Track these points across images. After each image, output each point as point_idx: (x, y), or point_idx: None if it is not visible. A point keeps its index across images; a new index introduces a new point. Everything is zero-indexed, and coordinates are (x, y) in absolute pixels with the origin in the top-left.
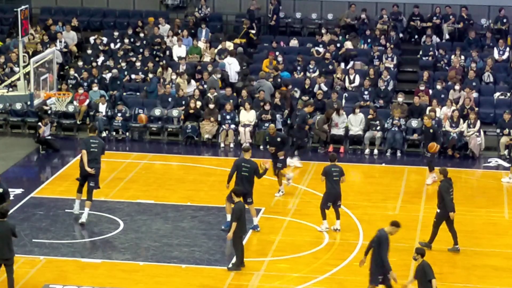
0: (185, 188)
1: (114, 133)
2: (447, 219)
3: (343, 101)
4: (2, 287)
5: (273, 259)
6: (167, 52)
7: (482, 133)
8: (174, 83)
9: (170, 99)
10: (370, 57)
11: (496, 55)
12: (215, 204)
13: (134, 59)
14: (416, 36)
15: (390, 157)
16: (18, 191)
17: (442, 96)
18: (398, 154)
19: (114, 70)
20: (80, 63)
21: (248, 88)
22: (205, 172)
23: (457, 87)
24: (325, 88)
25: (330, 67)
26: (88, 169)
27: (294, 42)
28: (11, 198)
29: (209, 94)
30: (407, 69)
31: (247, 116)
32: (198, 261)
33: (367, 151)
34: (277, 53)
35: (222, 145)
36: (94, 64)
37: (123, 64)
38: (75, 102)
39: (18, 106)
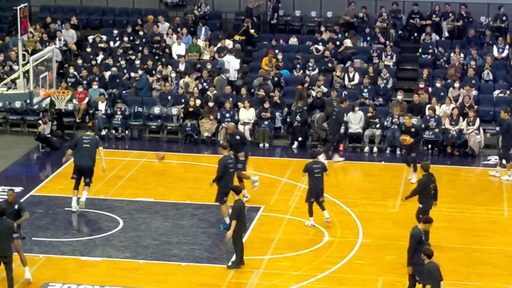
0: (185, 186)
1: (113, 131)
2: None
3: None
4: (1, 285)
5: (272, 257)
6: (167, 50)
7: (481, 131)
8: (174, 81)
9: (169, 97)
10: (370, 55)
11: (495, 53)
12: (215, 203)
13: (133, 57)
14: (416, 34)
15: (389, 155)
16: (18, 189)
17: (442, 94)
18: (398, 152)
19: (114, 68)
20: (80, 61)
21: (245, 80)
22: (205, 170)
23: (456, 85)
24: (325, 90)
25: (330, 65)
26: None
27: (293, 40)
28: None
29: (208, 92)
30: (407, 67)
31: (247, 114)
32: (197, 259)
33: (366, 149)
34: (276, 51)
35: (221, 143)
36: (93, 62)
37: (123, 62)
38: (74, 100)
39: (17, 104)
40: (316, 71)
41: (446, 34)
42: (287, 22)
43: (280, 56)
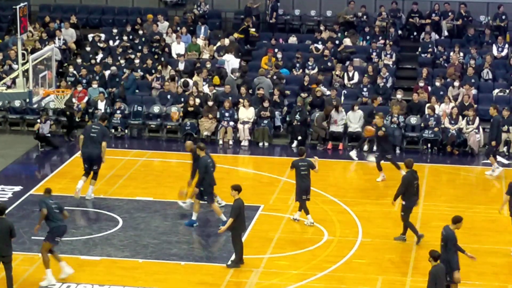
0: (184, 186)
1: (113, 130)
2: (408, 209)
3: (342, 98)
4: (1, 284)
5: (272, 256)
6: (166, 49)
7: (481, 129)
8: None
9: (169, 96)
10: (369, 54)
11: (495, 52)
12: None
13: (133, 56)
14: (415, 33)
15: None
16: (17, 188)
17: (441, 93)
18: (397, 151)
19: (113, 68)
20: (79, 61)
21: (245, 79)
22: None
23: (456, 84)
24: (326, 92)
25: (329, 64)
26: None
27: (293, 39)
28: (11, 195)
29: (208, 91)
30: (406, 66)
31: (246, 113)
32: (197, 258)
33: (365, 147)
34: (276, 50)
35: (220, 142)
36: (93, 61)
37: (122, 61)
38: (74, 100)
39: (17, 103)
40: (316, 70)
41: (446, 33)
42: (287, 21)
43: (279, 55)
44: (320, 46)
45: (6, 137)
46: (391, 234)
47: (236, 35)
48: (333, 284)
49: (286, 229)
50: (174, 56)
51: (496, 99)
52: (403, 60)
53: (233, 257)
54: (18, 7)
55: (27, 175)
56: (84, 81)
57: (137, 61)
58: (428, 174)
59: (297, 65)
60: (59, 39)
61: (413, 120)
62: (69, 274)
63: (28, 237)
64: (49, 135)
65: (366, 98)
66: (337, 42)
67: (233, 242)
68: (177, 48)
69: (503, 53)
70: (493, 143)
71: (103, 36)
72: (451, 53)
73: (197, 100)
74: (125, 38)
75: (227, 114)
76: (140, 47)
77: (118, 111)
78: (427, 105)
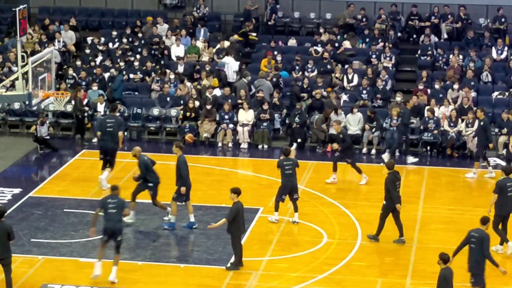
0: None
1: None
2: (393, 211)
3: (341, 100)
4: (0, 286)
5: (271, 258)
6: (166, 52)
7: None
8: (173, 82)
9: (168, 99)
10: (368, 56)
11: (494, 55)
12: (213, 204)
13: (132, 58)
14: (415, 36)
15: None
16: (17, 190)
17: (441, 95)
18: (397, 153)
19: (113, 70)
20: (79, 63)
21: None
22: (203, 172)
23: (455, 86)
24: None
25: (329, 66)
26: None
27: (292, 42)
28: (10, 197)
29: (207, 94)
30: (406, 69)
31: (246, 115)
32: (196, 260)
33: (364, 150)
34: (275, 52)
35: (220, 144)
36: (92, 63)
37: (122, 63)
38: (73, 102)
39: (16, 105)
40: (315, 72)
41: (445, 36)
42: (286, 24)
43: (279, 58)
44: (319, 49)
45: (5, 139)
46: (391, 236)
47: (236, 36)
48: (333, 287)
49: (285, 232)
50: (174, 58)
51: (496, 102)
52: (402, 62)
53: (232, 259)
54: (17, 9)
55: (26, 177)
56: (83, 83)
57: (136, 63)
58: (427, 177)
59: (297, 67)
60: (58, 41)
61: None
62: (96, 276)
63: (27, 239)
64: (48, 137)
65: (365, 101)
66: (336, 44)
67: (232, 244)
68: (177, 50)
69: (503, 56)
70: (491, 145)
71: (102, 38)
72: (451, 56)
73: (197, 103)
74: (124, 40)
75: (226, 117)
76: (139, 50)
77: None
78: (427, 107)
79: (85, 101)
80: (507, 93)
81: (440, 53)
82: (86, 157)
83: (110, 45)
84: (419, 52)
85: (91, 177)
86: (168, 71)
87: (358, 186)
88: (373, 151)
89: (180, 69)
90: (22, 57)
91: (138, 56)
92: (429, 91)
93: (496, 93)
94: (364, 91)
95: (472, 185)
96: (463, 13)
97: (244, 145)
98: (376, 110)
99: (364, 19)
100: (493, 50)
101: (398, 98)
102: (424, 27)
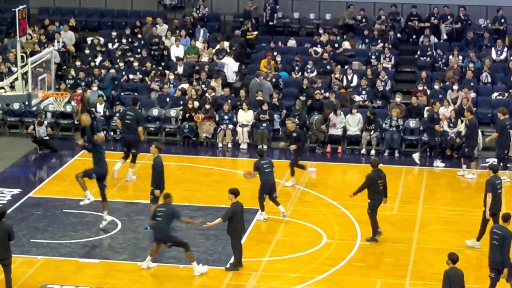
0: (183, 188)
1: (112, 133)
2: (374, 208)
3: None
4: (0, 287)
5: (271, 259)
6: (165, 52)
7: (480, 133)
8: (172, 83)
9: (168, 99)
10: (368, 57)
11: (494, 55)
12: (213, 204)
13: (132, 59)
14: (414, 36)
15: (387, 157)
16: (16, 191)
17: (440, 96)
18: (396, 154)
19: (112, 70)
20: (78, 63)
21: (244, 82)
22: (203, 172)
23: (455, 87)
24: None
25: (328, 67)
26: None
27: (292, 42)
28: (10, 198)
29: (207, 94)
30: (405, 69)
31: (245, 116)
32: (196, 261)
33: (363, 151)
34: (275, 53)
35: (220, 145)
36: (92, 64)
37: (121, 64)
38: (72, 102)
39: (16, 106)
40: (315, 73)
41: (445, 37)
42: (286, 24)
43: (278, 58)
44: (319, 49)
45: (5, 140)
46: (390, 237)
47: (238, 31)
48: (332, 287)
49: (285, 232)
50: (173, 59)
51: (495, 103)
52: (402, 63)
53: (232, 260)
54: (17, 9)
55: (26, 177)
56: (83, 83)
57: (136, 64)
58: (426, 178)
59: (296, 68)
60: (58, 41)
61: (412, 123)
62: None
63: (26, 240)
64: (47, 138)
65: (364, 102)
66: (336, 45)
67: (232, 245)
68: (176, 51)
69: (502, 57)
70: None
71: (102, 39)
72: (450, 57)
73: (196, 103)
74: (124, 41)
75: (226, 117)
76: (139, 50)
77: (117, 114)
78: (426, 108)
79: None
80: (506, 94)
81: (440, 54)
82: (85, 157)
83: (110, 45)
84: (418, 52)
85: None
86: (167, 71)
87: (357, 187)
88: (373, 152)
89: (180, 69)
90: (22, 57)
91: (137, 57)
92: (428, 91)
93: (495, 94)
94: (364, 92)
95: (472, 185)
96: (463, 13)
97: (244, 146)
98: (376, 111)
99: (363, 20)
100: (493, 50)
101: (398, 98)
102: (423, 27)
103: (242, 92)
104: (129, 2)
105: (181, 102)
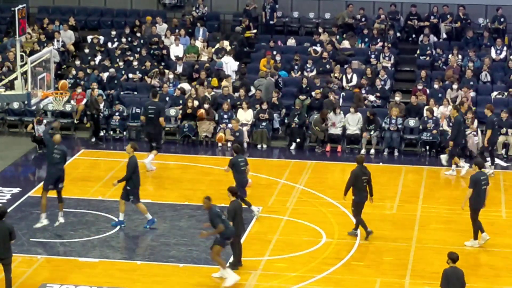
0: (183, 188)
1: (111, 132)
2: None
3: (341, 100)
4: (0, 286)
5: (270, 258)
6: (165, 52)
7: (479, 132)
8: (172, 82)
9: (167, 99)
10: (368, 56)
11: (493, 55)
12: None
13: (131, 58)
14: (414, 35)
15: (387, 157)
16: (16, 190)
17: (440, 95)
18: (396, 153)
19: (112, 70)
20: (78, 62)
21: (243, 81)
22: (203, 172)
23: (454, 86)
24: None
25: (328, 66)
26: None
27: (291, 41)
28: (10, 197)
29: (206, 93)
30: (405, 68)
31: (245, 115)
32: (195, 260)
33: (363, 150)
34: (274, 52)
35: (219, 144)
36: (91, 63)
37: (121, 63)
38: (72, 101)
39: (15, 105)
40: (314, 72)
41: (444, 36)
42: (285, 23)
43: (278, 58)
44: (318, 49)
45: (4, 139)
46: (390, 236)
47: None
48: (331, 286)
49: (284, 231)
50: (173, 58)
51: (495, 102)
52: (401, 62)
53: (231, 259)
54: (16, 9)
55: (25, 177)
56: (82, 83)
57: (135, 63)
58: (426, 177)
59: (296, 67)
60: (57, 41)
61: (412, 122)
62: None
63: (26, 239)
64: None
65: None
66: (336, 44)
67: (231, 244)
68: (176, 50)
69: (502, 56)
70: (451, 143)
71: (101, 38)
72: (450, 56)
73: (196, 102)
74: (123, 40)
75: (225, 116)
76: (138, 49)
77: (117, 113)
78: (426, 107)
79: (84, 101)
80: (506, 93)
81: (439, 53)
82: (85, 156)
83: (109, 44)
84: (418, 52)
85: (90, 177)
86: (167, 71)
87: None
88: (372, 151)
89: (179, 69)
90: (21, 56)
91: (137, 56)
92: (428, 91)
93: (495, 93)
94: (363, 91)
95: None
96: (462, 13)
97: (243, 145)
98: (375, 111)
99: (363, 19)
100: (492, 50)
101: (397, 97)
102: (423, 27)
103: (242, 91)
104: (129, 1)
105: (181, 101)
